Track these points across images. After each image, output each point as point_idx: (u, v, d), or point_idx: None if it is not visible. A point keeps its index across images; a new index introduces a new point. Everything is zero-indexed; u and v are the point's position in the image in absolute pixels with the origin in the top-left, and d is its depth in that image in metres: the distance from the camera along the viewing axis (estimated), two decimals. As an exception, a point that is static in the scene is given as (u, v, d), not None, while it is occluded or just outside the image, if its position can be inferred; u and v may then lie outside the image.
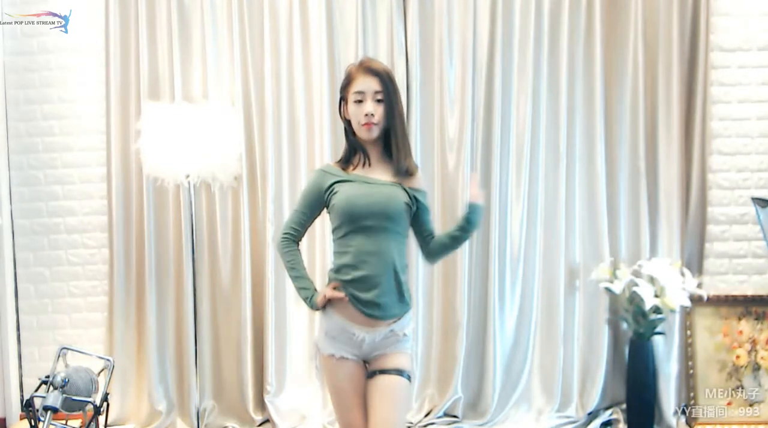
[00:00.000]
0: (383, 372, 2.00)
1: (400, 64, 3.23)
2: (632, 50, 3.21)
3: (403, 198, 2.01)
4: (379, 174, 2.05)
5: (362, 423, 2.00)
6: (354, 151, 2.07)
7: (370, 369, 2.05)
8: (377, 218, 1.97)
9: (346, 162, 2.09)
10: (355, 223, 1.97)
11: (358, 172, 2.05)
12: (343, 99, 2.05)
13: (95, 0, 3.30)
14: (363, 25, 3.23)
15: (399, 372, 2.00)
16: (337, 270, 2.03)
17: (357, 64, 2.04)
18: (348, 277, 1.99)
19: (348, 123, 2.07)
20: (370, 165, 2.05)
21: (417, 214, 2.09)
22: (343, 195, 1.99)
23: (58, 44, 3.36)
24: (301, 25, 3.27)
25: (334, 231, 2.05)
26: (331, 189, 2.03)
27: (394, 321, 2.03)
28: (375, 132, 2.00)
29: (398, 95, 2.03)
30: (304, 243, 3.24)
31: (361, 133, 2.02)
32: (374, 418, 1.96)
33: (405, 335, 2.05)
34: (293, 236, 2.11)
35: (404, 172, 2.04)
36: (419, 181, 2.09)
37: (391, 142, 2.04)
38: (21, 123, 3.39)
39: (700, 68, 3.18)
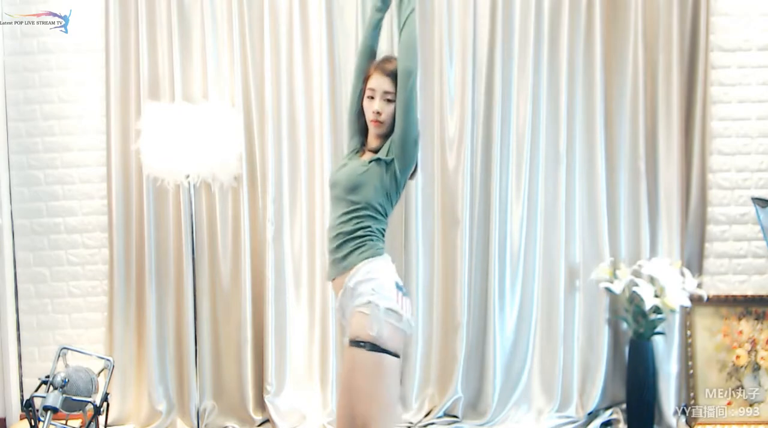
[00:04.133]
0: (348, 340, 1.96)
1: (400, 63, 3.23)
2: (632, 50, 3.21)
3: (363, 168, 2.05)
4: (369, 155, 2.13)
5: None
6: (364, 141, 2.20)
7: None
8: (338, 189, 2.09)
9: (359, 150, 2.21)
10: (331, 194, 2.15)
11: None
12: (362, 91, 2.15)
13: (95, 0, 3.31)
14: (363, 25, 3.23)
15: (355, 343, 1.91)
16: None
17: (377, 62, 2.14)
18: None
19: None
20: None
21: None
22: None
23: (58, 44, 3.35)
24: (301, 25, 3.27)
25: None
26: None
27: (347, 276, 2.01)
28: (381, 129, 2.11)
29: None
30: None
31: (370, 128, 2.14)
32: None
33: (356, 290, 1.97)
34: None
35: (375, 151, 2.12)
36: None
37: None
38: (21, 123, 3.39)
39: (700, 68, 3.18)
